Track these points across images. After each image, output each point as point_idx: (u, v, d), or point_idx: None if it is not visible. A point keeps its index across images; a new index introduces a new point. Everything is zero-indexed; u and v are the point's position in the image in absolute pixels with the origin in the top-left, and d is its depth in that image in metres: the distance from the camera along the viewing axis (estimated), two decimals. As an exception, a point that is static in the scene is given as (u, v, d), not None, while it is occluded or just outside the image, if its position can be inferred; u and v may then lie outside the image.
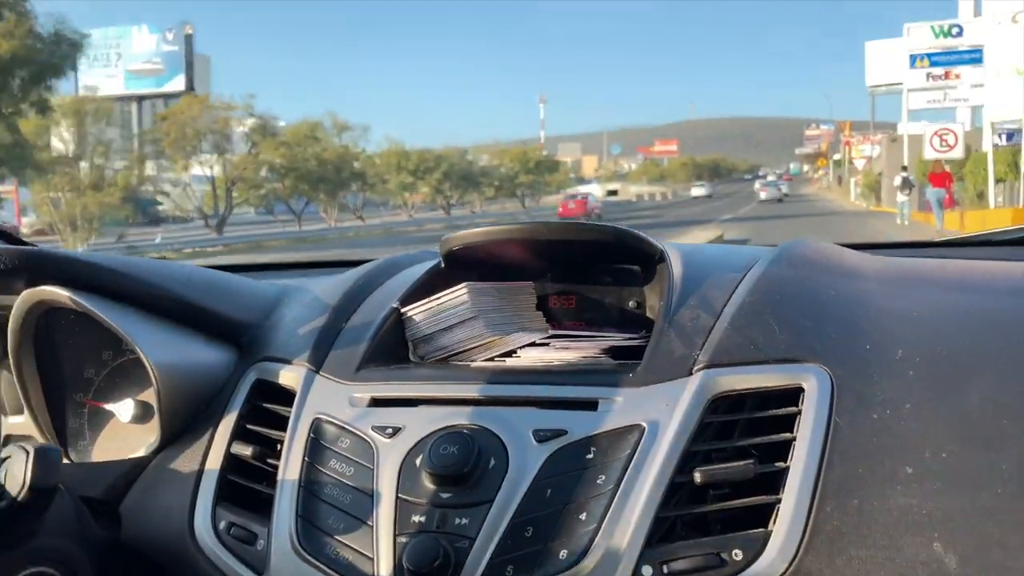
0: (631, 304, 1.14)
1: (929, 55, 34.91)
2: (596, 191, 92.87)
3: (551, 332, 1.08)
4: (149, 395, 1.03)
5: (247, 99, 37.83)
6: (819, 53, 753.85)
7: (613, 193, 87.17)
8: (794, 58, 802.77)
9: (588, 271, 1.16)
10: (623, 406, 0.83)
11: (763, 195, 58.05)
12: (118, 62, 66.68)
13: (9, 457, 0.80)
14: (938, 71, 34.77)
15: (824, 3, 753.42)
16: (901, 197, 23.25)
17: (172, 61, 68.54)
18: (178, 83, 67.84)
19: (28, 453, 0.79)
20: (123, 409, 1.11)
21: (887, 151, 37.89)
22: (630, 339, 1.03)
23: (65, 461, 1.08)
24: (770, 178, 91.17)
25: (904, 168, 25.02)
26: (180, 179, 39.03)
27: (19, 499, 0.79)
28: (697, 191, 78.85)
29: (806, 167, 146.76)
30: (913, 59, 34.56)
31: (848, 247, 1.18)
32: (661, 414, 0.81)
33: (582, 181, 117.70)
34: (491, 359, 1.02)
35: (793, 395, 0.82)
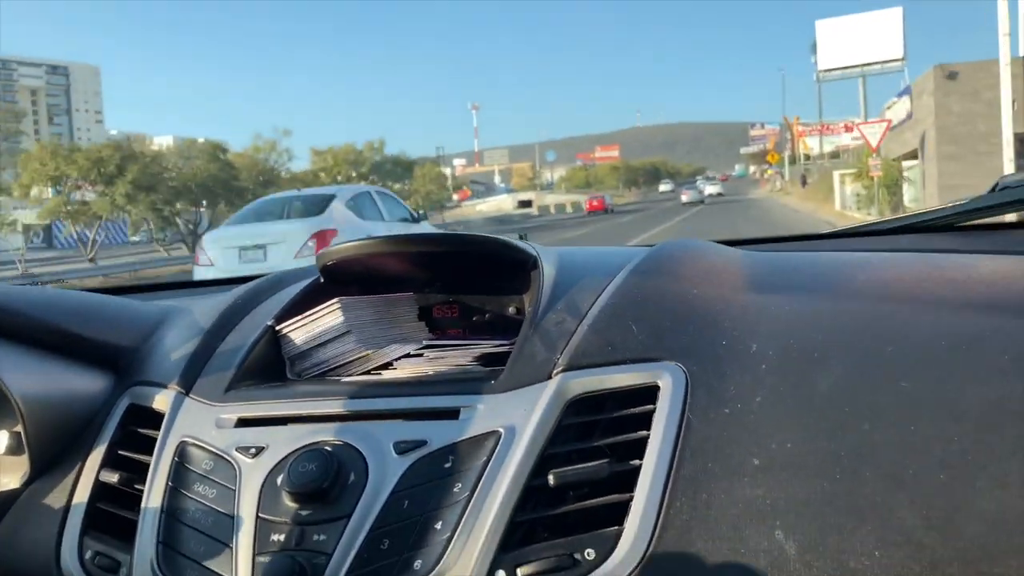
0: (511, 310, 1.13)
1: None
2: (507, 203, 73.82)
3: (425, 343, 1.07)
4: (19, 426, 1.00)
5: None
6: (765, 52, 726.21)
7: (526, 204, 68.33)
8: (740, 59, 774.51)
9: (471, 280, 1.14)
10: (483, 413, 0.82)
11: (684, 198, 53.11)
12: None
13: None
14: None
15: (769, 3, 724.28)
16: None
17: None
18: None
19: None
20: None
21: (938, 101, 15.34)
22: (500, 346, 1.01)
23: None
24: (704, 180, 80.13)
25: None
26: None
27: None
28: (664, 187, 78.88)
29: (752, 168, 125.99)
30: None
31: (726, 243, 1.20)
32: (519, 419, 0.80)
33: (494, 190, 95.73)
34: (366, 372, 1.01)
35: (650, 393, 0.81)
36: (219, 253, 9.10)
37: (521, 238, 1.12)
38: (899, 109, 22.36)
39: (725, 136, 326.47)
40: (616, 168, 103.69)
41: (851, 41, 45.22)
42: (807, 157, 67.40)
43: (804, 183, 46.99)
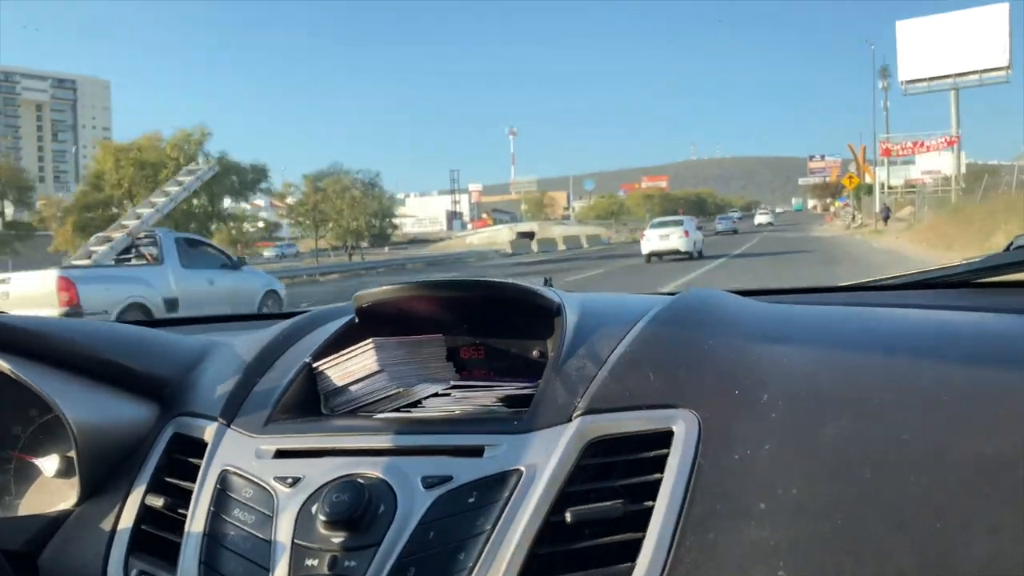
0: (535, 354, 1.18)
1: None
2: (503, 234, 64.95)
3: (452, 383, 1.13)
4: (73, 451, 1.06)
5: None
6: (824, 83, 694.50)
7: (527, 236, 58.63)
8: (798, 90, 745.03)
9: (498, 323, 1.21)
10: (506, 452, 0.87)
11: (718, 227, 55.21)
12: None
13: None
14: None
15: (832, 37, 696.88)
16: None
17: None
18: None
19: None
20: (48, 464, 1.11)
21: None
22: (524, 388, 1.07)
23: None
24: (760, 211, 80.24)
25: None
26: None
27: None
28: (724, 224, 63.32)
29: (812, 201, 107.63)
30: None
31: (742, 293, 1.27)
32: (540, 458, 0.85)
33: (520, 220, 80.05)
34: (396, 410, 1.07)
35: (665, 438, 0.86)
36: (650, 235, 26.27)
37: (547, 282, 1.22)
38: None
39: (780, 170, 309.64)
40: (650, 197, 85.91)
41: (942, 46, 37.84)
42: (883, 187, 49.89)
43: (887, 218, 38.05)
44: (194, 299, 10.35)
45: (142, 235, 12.18)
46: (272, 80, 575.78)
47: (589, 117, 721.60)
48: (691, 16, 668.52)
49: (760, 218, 69.62)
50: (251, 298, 11.68)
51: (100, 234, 13.34)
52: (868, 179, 55.81)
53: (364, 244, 39.81)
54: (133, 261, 11.64)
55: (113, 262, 11.79)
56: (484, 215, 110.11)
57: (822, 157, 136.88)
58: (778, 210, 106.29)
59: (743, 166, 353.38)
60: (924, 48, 38.21)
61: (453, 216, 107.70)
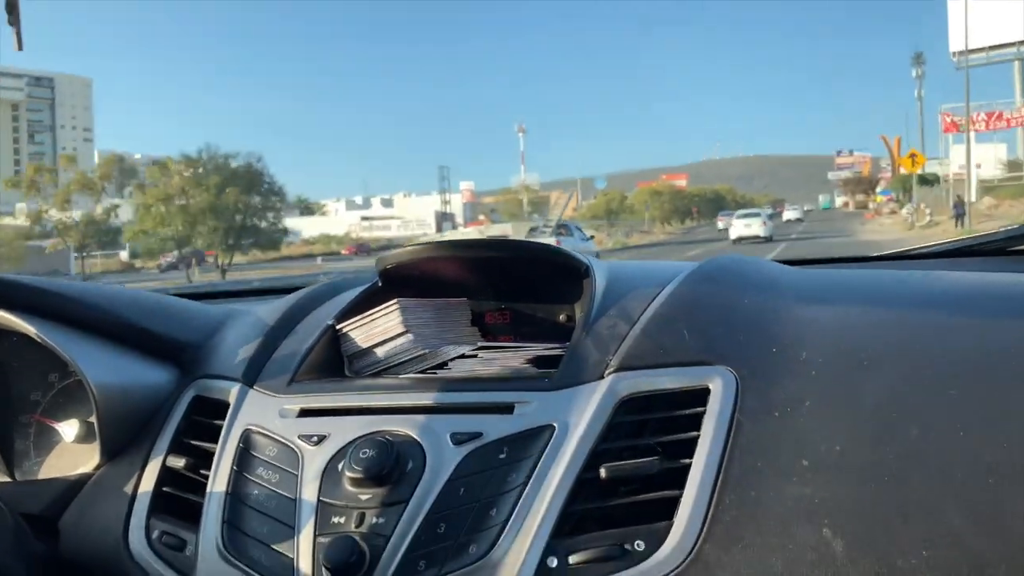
0: (561, 317, 1.17)
1: None
2: (470, 237, 45.26)
3: (479, 344, 1.12)
4: (94, 415, 1.06)
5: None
6: (852, 81, 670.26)
7: None
8: (825, 87, 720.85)
9: (523, 287, 1.20)
10: (537, 409, 0.86)
11: (720, 225, 54.07)
12: None
13: None
14: None
15: (853, 41, 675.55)
16: None
17: None
18: None
19: None
20: (68, 428, 1.13)
21: None
22: (551, 349, 1.06)
23: (8, 480, 1.16)
24: (796, 211, 71.64)
25: None
26: None
27: None
28: (792, 215, 67.11)
29: (842, 199, 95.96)
30: None
31: (780, 262, 1.24)
32: (572, 415, 0.84)
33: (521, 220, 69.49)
34: (422, 372, 1.06)
35: (701, 396, 0.85)
36: (737, 224, 36.85)
37: None
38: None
39: (804, 168, 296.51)
40: (658, 194, 74.32)
41: (1002, 9, 33.45)
42: (936, 178, 39.92)
43: (960, 218, 28.96)
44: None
45: (561, 223, 27.75)
46: (264, 77, 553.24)
47: (608, 117, 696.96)
48: (710, 13, 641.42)
49: (789, 214, 66.99)
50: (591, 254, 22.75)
51: (538, 222, 32.38)
52: (903, 172, 46.11)
53: (224, 257, 28.99)
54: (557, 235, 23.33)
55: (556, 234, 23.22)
56: (481, 216, 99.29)
57: (850, 152, 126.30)
58: (805, 207, 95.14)
59: (766, 164, 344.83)
60: (981, 12, 33.68)
61: (443, 217, 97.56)
